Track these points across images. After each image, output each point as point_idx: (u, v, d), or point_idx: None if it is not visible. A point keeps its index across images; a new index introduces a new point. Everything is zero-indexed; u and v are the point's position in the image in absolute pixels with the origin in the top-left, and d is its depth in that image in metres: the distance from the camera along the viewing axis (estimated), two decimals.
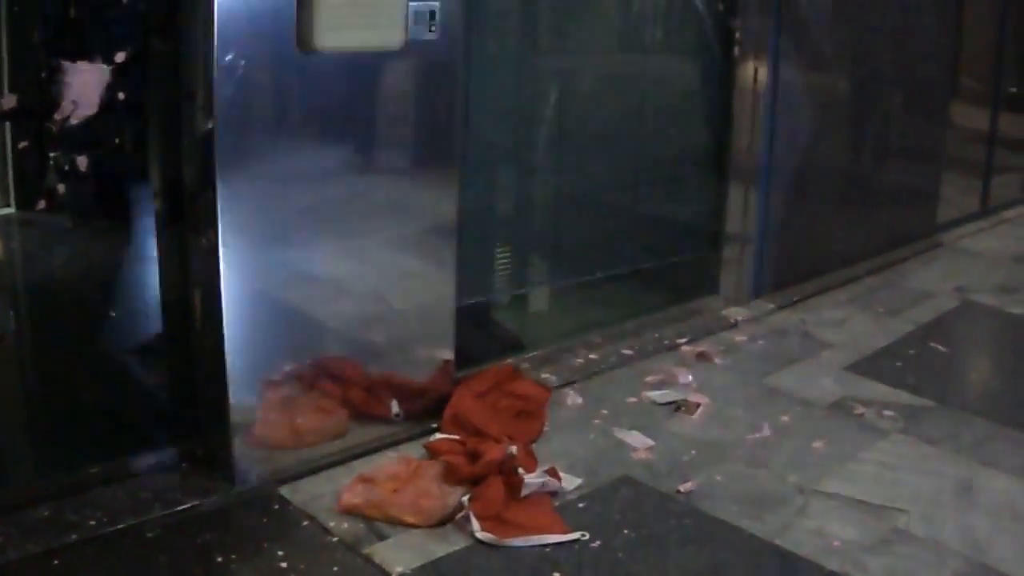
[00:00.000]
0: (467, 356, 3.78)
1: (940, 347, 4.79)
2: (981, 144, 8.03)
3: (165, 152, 3.05)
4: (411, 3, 3.15)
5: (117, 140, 3.10)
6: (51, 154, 3.03)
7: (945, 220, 7.06)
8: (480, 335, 4.11)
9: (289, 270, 3.14)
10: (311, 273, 3.21)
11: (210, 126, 2.84)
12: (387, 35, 3.12)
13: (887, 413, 3.94)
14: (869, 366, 4.46)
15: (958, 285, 5.83)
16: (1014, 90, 8.70)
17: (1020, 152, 8.71)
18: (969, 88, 7.93)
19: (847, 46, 5.67)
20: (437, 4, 3.23)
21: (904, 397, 4.12)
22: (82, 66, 2.89)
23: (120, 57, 2.92)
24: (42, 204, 3.13)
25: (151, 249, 3.20)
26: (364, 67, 3.18)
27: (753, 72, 4.93)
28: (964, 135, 7.63)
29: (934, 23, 6.47)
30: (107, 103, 2.94)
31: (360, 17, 3.01)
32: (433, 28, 3.24)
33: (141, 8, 3.03)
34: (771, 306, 5.17)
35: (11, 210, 3.21)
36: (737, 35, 4.87)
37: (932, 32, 6.47)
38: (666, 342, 4.57)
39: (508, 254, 4.34)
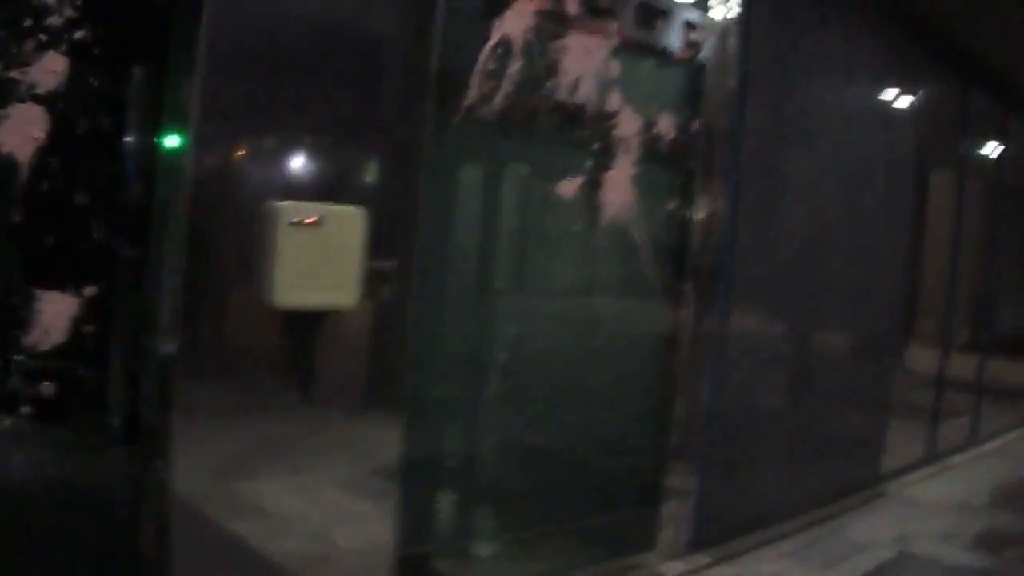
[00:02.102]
0: None
1: None
2: (929, 388, 8.23)
3: (125, 374, 3.17)
4: (366, 263, 3.34)
5: (81, 369, 3.23)
6: (14, 358, 3.16)
7: (889, 469, 7.15)
8: None
9: (239, 502, 3.21)
10: (260, 506, 3.27)
11: (170, 351, 3.00)
12: (342, 296, 3.32)
13: None
14: None
15: (898, 535, 5.90)
16: (965, 341, 9.00)
17: (968, 395, 8.92)
18: (920, 333, 8.17)
19: (797, 302, 5.89)
20: (392, 265, 3.46)
21: None
22: (54, 296, 3.06)
23: (90, 291, 3.10)
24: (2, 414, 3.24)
25: (107, 464, 3.29)
26: (320, 315, 3.36)
27: (700, 329, 5.11)
28: (912, 380, 7.82)
29: (885, 277, 6.74)
30: (75, 332, 3.10)
31: (317, 278, 3.20)
32: (386, 288, 3.45)
33: (112, 244, 3.21)
34: (708, 560, 5.19)
35: None
36: (686, 296, 5.07)
37: (884, 286, 6.74)
38: None
39: (451, 503, 4.43)
